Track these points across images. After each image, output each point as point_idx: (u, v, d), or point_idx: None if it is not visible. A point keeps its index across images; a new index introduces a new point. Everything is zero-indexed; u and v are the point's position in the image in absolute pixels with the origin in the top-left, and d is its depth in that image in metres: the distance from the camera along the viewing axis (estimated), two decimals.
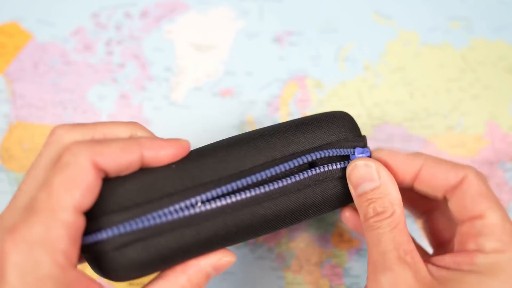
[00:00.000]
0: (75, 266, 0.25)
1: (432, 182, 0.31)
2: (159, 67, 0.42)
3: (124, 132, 0.29)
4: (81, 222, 0.25)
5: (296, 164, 0.30)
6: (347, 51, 0.43)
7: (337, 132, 0.31)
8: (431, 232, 0.35)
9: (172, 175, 0.28)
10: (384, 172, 0.30)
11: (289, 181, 0.29)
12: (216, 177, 0.28)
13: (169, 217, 0.27)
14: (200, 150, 0.30)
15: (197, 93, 0.42)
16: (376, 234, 0.29)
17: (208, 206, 0.28)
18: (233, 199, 0.28)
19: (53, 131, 0.27)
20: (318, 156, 0.30)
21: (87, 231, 0.26)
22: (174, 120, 0.42)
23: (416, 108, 0.42)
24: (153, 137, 0.29)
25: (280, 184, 0.29)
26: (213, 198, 0.28)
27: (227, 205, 0.28)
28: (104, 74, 0.42)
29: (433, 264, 0.29)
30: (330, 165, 0.30)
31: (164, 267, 0.29)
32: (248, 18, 0.43)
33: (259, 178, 0.29)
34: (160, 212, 0.27)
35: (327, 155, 0.30)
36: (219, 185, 0.28)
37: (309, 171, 0.30)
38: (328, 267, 0.39)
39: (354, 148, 0.31)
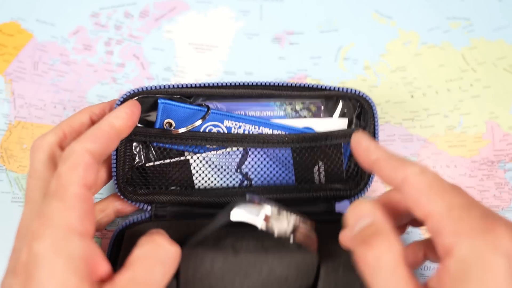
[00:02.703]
0: (91, 237, 0.28)
1: (382, 178, 0.29)
2: (159, 67, 0.42)
3: (83, 117, 0.35)
4: (89, 194, 0.29)
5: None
6: (347, 51, 0.43)
7: None
8: None
9: None
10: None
11: None
12: None
13: None
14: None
15: None
16: None
17: None
18: None
19: (32, 146, 0.33)
20: None
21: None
22: None
23: (416, 108, 0.42)
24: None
25: None
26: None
27: None
28: (103, 73, 0.42)
29: None
30: None
31: None
32: (248, 18, 0.43)
33: None
34: None
35: None
36: None
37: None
38: None
39: None
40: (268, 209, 0.31)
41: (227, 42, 0.43)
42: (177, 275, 0.31)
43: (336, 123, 0.38)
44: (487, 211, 0.26)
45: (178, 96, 0.38)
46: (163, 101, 0.36)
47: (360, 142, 0.31)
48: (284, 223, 0.31)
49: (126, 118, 0.32)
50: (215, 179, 0.39)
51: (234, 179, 0.39)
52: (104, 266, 0.28)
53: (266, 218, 0.31)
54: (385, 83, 0.42)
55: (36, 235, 0.27)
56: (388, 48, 0.43)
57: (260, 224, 0.31)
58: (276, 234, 0.32)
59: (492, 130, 0.42)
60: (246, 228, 0.36)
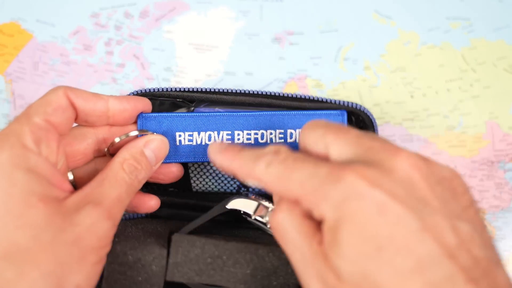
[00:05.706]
0: (39, 154, 0.28)
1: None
2: (159, 67, 0.42)
3: None
4: (52, 130, 0.29)
5: None
6: (347, 51, 0.43)
7: None
8: None
9: None
10: None
11: None
12: None
13: None
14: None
15: None
16: None
17: None
18: None
19: None
20: None
21: None
22: None
23: (416, 108, 0.42)
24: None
25: None
26: None
27: None
28: (104, 74, 0.42)
29: None
30: None
31: None
32: (248, 18, 0.43)
33: None
34: None
35: None
36: None
37: None
38: None
39: None
40: (263, 203, 0.32)
41: (227, 42, 0.43)
42: (166, 258, 0.32)
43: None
44: (324, 173, 0.25)
45: (180, 100, 0.38)
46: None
47: (214, 159, 0.30)
48: None
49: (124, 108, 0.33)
50: (212, 184, 0.39)
51: (231, 185, 0.39)
52: (67, 184, 0.28)
53: (261, 209, 0.32)
54: (385, 83, 0.42)
55: None
56: (388, 48, 0.43)
57: (254, 210, 0.32)
58: (268, 226, 0.32)
59: (492, 130, 0.42)
60: (238, 229, 0.36)
